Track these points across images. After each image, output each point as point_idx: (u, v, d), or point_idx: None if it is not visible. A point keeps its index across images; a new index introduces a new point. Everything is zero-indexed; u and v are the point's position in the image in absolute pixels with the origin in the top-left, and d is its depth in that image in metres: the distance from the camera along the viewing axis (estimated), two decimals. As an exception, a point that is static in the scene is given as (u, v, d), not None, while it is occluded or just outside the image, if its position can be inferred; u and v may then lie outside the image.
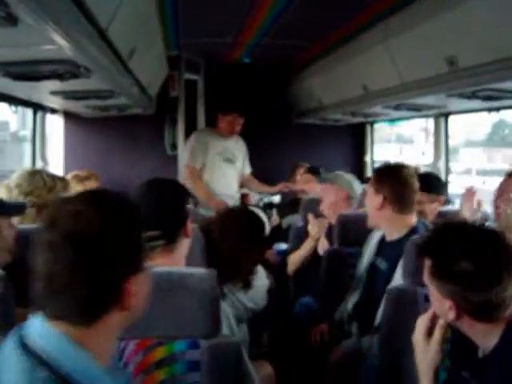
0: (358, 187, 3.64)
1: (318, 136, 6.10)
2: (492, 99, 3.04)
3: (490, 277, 1.50)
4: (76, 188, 3.75)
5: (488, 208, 2.88)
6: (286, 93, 6.00)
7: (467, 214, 3.10)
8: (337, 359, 2.76)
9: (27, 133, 4.94)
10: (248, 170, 5.16)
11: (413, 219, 2.74)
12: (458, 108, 4.09)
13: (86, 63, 2.15)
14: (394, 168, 2.82)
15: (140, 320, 1.46)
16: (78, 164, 4.87)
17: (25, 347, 1.09)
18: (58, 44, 1.85)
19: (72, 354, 1.09)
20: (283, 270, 3.92)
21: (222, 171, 4.87)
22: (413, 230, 2.68)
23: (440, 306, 1.59)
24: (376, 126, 6.35)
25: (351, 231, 3.28)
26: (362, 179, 5.78)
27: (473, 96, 3.01)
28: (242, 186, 5.16)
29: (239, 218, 2.67)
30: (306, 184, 4.71)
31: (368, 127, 6.19)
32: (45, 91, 3.12)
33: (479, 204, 3.15)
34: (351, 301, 2.91)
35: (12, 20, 1.51)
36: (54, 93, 3.14)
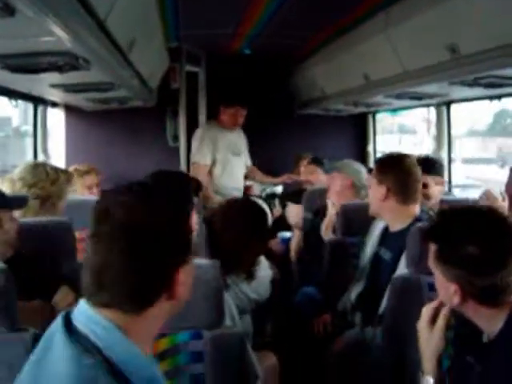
0: (364, 176, 3.62)
1: (320, 127, 6.08)
2: (493, 86, 3.03)
3: (496, 261, 1.50)
4: (75, 182, 3.74)
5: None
6: (288, 83, 5.98)
7: None
8: (340, 349, 2.75)
9: (29, 128, 4.94)
10: (249, 161, 5.15)
11: (416, 209, 2.73)
12: (459, 96, 4.07)
13: (85, 55, 2.14)
14: (396, 158, 2.80)
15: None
16: (79, 157, 4.86)
17: (72, 333, 1.10)
18: (57, 35, 1.83)
19: (120, 341, 1.10)
20: (288, 258, 3.94)
21: (231, 165, 4.85)
22: (416, 220, 2.65)
23: (445, 290, 1.59)
24: (378, 116, 6.33)
25: (354, 221, 3.28)
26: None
27: (474, 83, 2.99)
28: (245, 177, 5.15)
29: (241, 209, 2.67)
30: (310, 175, 4.70)
31: (370, 117, 6.17)
32: (45, 84, 3.11)
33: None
34: (355, 291, 2.91)
35: (9, 11, 1.49)
36: (53, 86, 3.12)
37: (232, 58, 5.56)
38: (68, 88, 3.23)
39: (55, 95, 4.03)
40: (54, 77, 2.71)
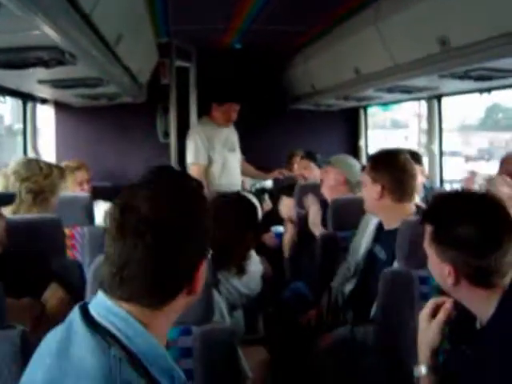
0: (358, 171, 3.62)
1: (312, 122, 6.07)
2: (484, 79, 3.02)
3: (491, 242, 1.53)
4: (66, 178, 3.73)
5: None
6: (280, 78, 5.96)
7: None
8: (327, 346, 2.74)
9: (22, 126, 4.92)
10: (240, 155, 5.13)
11: (412, 207, 2.69)
12: (450, 89, 4.06)
13: (71, 49, 2.11)
14: (390, 155, 2.75)
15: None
16: (69, 154, 4.84)
17: (92, 324, 1.10)
18: (42, 30, 1.81)
19: (140, 333, 1.10)
20: (281, 252, 3.93)
21: (229, 163, 4.79)
22: None
23: (440, 271, 1.61)
24: (370, 111, 6.33)
25: (345, 215, 3.28)
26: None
27: (465, 76, 2.99)
28: None
29: (231, 204, 2.65)
30: (304, 169, 4.70)
31: (361, 112, 6.17)
32: (32, 80, 3.08)
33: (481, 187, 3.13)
34: (347, 288, 2.89)
35: (-6, 6, 1.47)
36: (41, 82, 3.10)
37: (223, 53, 5.54)
38: (56, 84, 3.20)
39: (44, 91, 4.01)
40: (41, 72, 2.69)
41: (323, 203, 3.63)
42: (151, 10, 3.59)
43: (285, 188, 4.75)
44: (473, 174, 3.10)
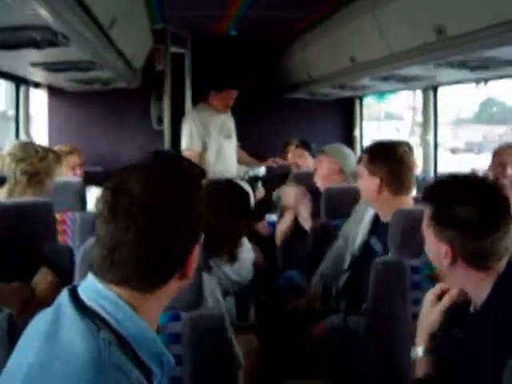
0: (353, 161, 3.60)
1: (308, 111, 6.05)
2: (480, 69, 3.01)
3: (488, 224, 1.56)
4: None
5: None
6: (276, 66, 5.93)
7: None
8: (320, 334, 2.74)
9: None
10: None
11: (410, 200, 2.65)
12: (446, 79, 4.04)
13: (63, 30, 2.08)
14: (388, 147, 2.70)
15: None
16: (62, 139, 4.82)
17: (81, 308, 1.08)
18: (34, 9, 1.78)
19: (130, 316, 1.09)
20: (274, 241, 3.92)
21: (224, 150, 4.74)
22: None
23: (437, 251, 1.64)
24: (366, 102, 6.31)
25: (338, 204, 3.27)
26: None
27: (461, 65, 2.97)
28: None
29: (223, 191, 2.64)
30: (298, 158, 4.69)
31: (357, 102, 6.15)
32: (25, 62, 3.05)
33: None
34: (342, 278, 2.88)
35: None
36: (34, 64, 3.06)
37: (218, 40, 5.50)
38: (49, 66, 3.16)
39: (37, 75, 3.97)
40: (34, 54, 2.66)
41: (316, 192, 3.62)
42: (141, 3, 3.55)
43: (278, 177, 4.75)
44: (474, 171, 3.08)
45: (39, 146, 2.86)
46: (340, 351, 2.59)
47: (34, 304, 2.08)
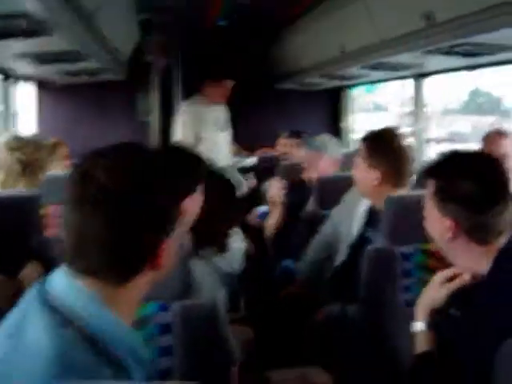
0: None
1: (297, 101, 6.04)
2: (470, 55, 2.99)
3: (488, 198, 1.61)
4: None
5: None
6: (265, 57, 5.89)
7: None
8: (319, 323, 2.73)
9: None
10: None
11: (407, 191, 2.64)
12: (436, 67, 4.02)
13: (44, 17, 2.03)
14: (388, 140, 2.65)
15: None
16: (50, 133, 4.76)
17: (47, 302, 1.04)
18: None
19: (99, 310, 1.05)
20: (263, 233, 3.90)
21: (218, 142, 4.68)
22: None
23: (439, 225, 1.67)
24: (354, 94, 6.29)
25: (330, 193, 3.24)
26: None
27: (451, 51, 2.95)
28: None
29: (210, 182, 2.60)
30: (290, 147, 4.67)
31: (345, 93, 6.13)
32: (9, 53, 2.99)
33: None
34: (337, 268, 2.86)
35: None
36: (19, 55, 3.01)
37: (207, 31, 5.45)
38: (34, 57, 3.11)
39: (23, 67, 3.91)
40: (17, 45, 2.62)
41: (302, 184, 3.61)
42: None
43: (267, 168, 4.72)
44: None
45: (33, 138, 2.90)
46: (339, 340, 2.58)
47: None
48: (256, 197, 4.41)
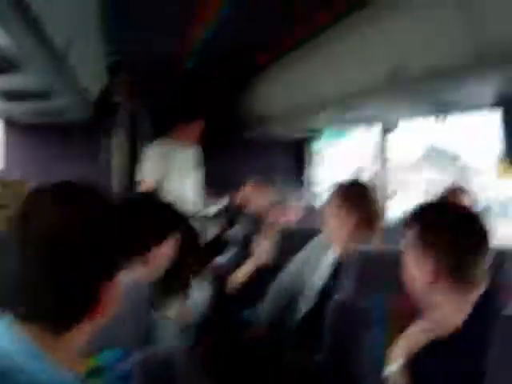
0: None
1: (263, 149, 6.06)
2: (437, 111, 3.05)
3: (469, 247, 1.72)
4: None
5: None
6: (233, 103, 5.91)
7: None
8: (287, 369, 2.70)
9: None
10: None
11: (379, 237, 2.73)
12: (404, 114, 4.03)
13: (15, 54, 1.98)
14: (361, 188, 2.78)
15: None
16: (17, 171, 4.73)
17: None
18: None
19: (40, 365, 0.98)
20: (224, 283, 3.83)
21: (184, 187, 4.67)
22: None
23: (420, 271, 1.76)
24: (317, 146, 6.37)
25: (291, 244, 3.23)
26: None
27: (416, 107, 3.01)
28: None
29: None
30: (252, 196, 4.66)
31: (309, 144, 6.18)
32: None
33: None
34: (302, 316, 2.83)
35: None
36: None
37: (176, 73, 5.45)
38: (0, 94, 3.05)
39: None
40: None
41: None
42: (102, 27, 3.50)
43: (232, 216, 4.69)
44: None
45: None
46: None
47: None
48: (216, 246, 4.36)
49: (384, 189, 4.62)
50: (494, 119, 2.68)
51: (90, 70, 3.72)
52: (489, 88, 2.47)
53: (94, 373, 1.57)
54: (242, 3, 3.19)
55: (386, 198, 4.61)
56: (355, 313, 2.28)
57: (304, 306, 2.83)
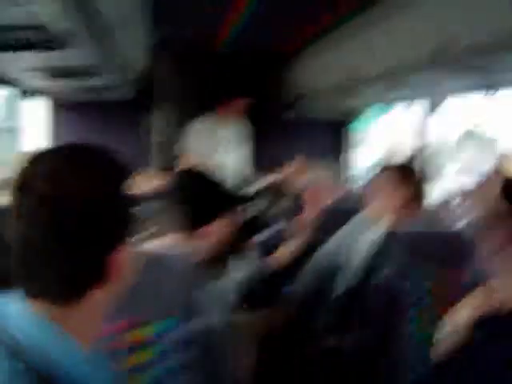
0: None
1: (302, 131, 6.03)
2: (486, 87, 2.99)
3: None
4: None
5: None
6: (270, 86, 5.89)
7: None
8: (317, 354, 2.70)
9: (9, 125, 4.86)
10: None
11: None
12: (453, 89, 3.97)
13: (62, 31, 2.00)
14: (408, 167, 2.83)
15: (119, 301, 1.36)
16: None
17: None
18: (29, 7, 1.71)
19: (51, 339, 0.95)
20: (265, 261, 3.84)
21: (226, 160, 4.71)
22: None
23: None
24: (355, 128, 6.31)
25: (332, 223, 3.22)
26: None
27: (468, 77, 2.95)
28: None
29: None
30: (294, 175, 4.66)
31: (349, 125, 6.13)
32: (19, 67, 2.97)
33: None
34: (340, 295, 2.83)
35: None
36: (29, 69, 2.98)
37: (212, 57, 5.47)
38: (45, 72, 3.09)
39: (33, 83, 3.90)
40: (29, 58, 2.60)
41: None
42: (147, 6, 3.52)
43: (272, 195, 4.69)
44: None
45: None
46: (336, 373, 2.54)
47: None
48: (254, 226, 4.37)
49: (426, 169, 4.56)
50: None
51: (134, 48, 3.75)
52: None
53: (147, 342, 1.61)
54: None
55: (429, 178, 4.55)
56: (400, 291, 2.28)
57: (344, 283, 2.84)
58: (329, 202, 3.57)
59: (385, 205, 2.75)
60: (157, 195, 1.97)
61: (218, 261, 2.33)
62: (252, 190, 5.19)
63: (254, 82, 5.41)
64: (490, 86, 3.00)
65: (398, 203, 2.69)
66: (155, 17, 3.94)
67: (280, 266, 3.47)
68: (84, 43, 2.32)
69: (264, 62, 5.68)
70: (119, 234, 1.01)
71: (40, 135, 5.36)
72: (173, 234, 1.89)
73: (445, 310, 1.78)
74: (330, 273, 2.92)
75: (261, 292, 2.93)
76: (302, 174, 4.51)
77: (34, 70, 3.00)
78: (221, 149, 4.66)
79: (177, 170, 4.69)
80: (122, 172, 1.06)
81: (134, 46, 3.67)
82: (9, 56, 2.48)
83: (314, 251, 3.22)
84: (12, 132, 4.78)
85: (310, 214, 3.51)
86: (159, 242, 1.88)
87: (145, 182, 4.28)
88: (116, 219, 1.00)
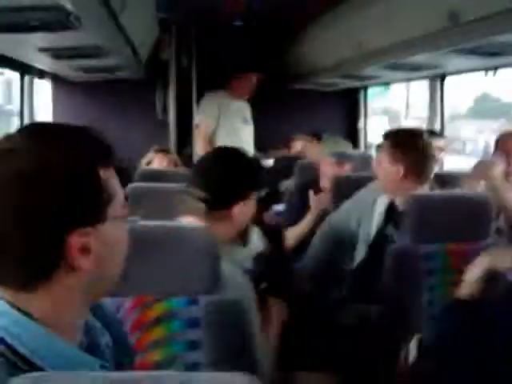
0: None
1: (311, 101, 6.02)
2: (492, 55, 2.97)
3: None
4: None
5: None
6: (280, 57, 5.87)
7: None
8: (345, 323, 2.73)
9: (13, 107, 4.84)
10: None
11: (427, 188, 2.68)
12: (455, 68, 3.99)
13: (74, 11, 2.02)
14: (411, 136, 2.72)
15: (136, 276, 1.39)
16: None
17: None
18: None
19: (19, 326, 0.91)
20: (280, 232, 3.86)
21: (240, 133, 4.77)
22: None
23: None
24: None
25: (347, 192, 3.23)
26: (356, 145, 5.84)
27: (473, 52, 2.94)
28: None
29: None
30: (306, 148, 4.69)
31: (361, 93, 6.11)
32: (32, 48, 2.99)
33: None
34: (355, 266, 2.85)
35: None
36: (41, 49, 3.00)
37: (223, 30, 5.45)
38: (56, 53, 3.10)
39: (42, 63, 3.91)
40: (41, 39, 2.62)
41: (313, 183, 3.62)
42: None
43: (284, 168, 4.71)
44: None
45: None
46: (362, 342, 2.57)
47: None
48: (273, 196, 4.41)
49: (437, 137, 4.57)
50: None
51: (143, 27, 3.75)
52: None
53: (166, 318, 1.65)
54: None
55: (440, 147, 4.56)
56: (415, 260, 2.29)
57: (357, 255, 2.86)
58: (343, 172, 3.59)
59: (387, 176, 2.73)
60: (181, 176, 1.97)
61: (240, 238, 2.36)
62: (265, 163, 5.23)
63: (264, 56, 5.42)
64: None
65: (398, 174, 2.63)
66: (160, 3, 3.95)
67: (296, 239, 3.52)
68: (93, 24, 2.33)
69: (273, 35, 5.67)
70: (82, 212, 0.92)
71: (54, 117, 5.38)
72: (196, 215, 1.90)
73: (460, 276, 1.81)
74: (341, 241, 2.93)
75: (276, 267, 2.97)
76: (313, 146, 4.54)
77: (48, 50, 3.02)
78: (229, 123, 4.69)
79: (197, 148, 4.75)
80: (91, 152, 0.98)
81: (142, 26, 3.67)
82: (21, 37, 2.49)
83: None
84: (10, 115, 4.78)
85: (325, 186, 3.54)
86: (184, 220, 1.90)
87: (160, 159, 4.33)
88: (76, 195, 0.92)
